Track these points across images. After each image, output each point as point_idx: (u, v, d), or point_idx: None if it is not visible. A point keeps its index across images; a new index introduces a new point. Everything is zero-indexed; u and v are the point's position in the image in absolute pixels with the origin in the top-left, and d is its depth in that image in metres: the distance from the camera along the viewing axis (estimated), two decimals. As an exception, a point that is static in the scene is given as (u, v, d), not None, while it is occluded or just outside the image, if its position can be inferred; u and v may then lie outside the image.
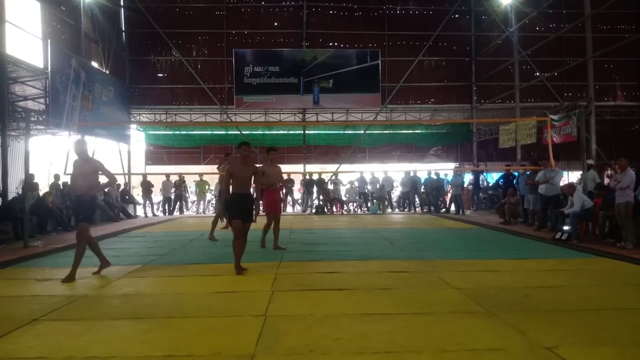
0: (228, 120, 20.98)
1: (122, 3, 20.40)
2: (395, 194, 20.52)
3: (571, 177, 19.20)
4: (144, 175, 18.89)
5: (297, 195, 20.94)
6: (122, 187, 18.02)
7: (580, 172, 13.11)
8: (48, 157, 17.41)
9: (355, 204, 19.93)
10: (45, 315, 4.71)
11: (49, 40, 13.86)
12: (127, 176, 19.90)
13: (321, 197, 19.34)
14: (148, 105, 21.17)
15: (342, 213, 19.12)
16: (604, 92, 20.89)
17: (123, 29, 20.69)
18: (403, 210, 19.52)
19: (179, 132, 21.36)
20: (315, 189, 19.47)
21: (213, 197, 20.25)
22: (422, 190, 19.27)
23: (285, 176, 19.86)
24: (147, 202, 18.51)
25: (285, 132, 21.69)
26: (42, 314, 4.73)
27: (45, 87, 13.72)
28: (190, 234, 11.91)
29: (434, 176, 18.57)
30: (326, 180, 19.59)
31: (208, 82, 20.80)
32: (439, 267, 7.08)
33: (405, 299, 5.29)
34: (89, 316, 4.72)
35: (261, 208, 7.89)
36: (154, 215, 18.45)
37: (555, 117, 15.65)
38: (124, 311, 4.90)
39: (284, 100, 20.50)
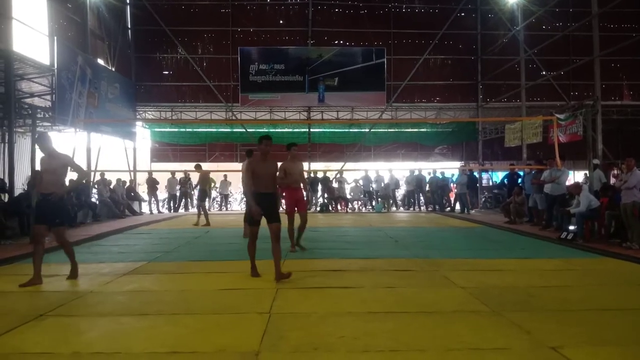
0: (233, 117, 21.00)
1: (128, 0, 20.44)
2: (400, 192, 20.50)
3: (577, 176, 19.11)
4: (150, 173, 18.94)
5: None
6: (127, 184, 18.09)
7: (586, 172, 13.04)
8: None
9: (360, 202, 19.92)
10: (51, 311, 4.74)
11: (55, 38, 13.91)
12: (132, 173, 19.98)
13: (326, 195, 19.34)
14: (154, 103, 21.22)
15: (347, 211, 19.12)
16: (610, 91, 20.76)
17: (129, 26, 20.73)
18: (408, 209, 19.50)
19: (184, 130, 21.39)
20: (319, 187, 19.48)
21: (218, 194, 20.33)
22: (427, 189, 19.24)
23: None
24: (153, 199, 18.57)
25: (290, 130, 21.66)
26: (48, 310, 4.76)
27: (51, 84, 13.77)
28: (195, 231, 11.94)
29: (439, 175, 18.53)
30: (331, 179, 19.59)
31: (213, 79, 20.81)
32: (444, 266, 7.07)
33: (410, 297, 5.29)
34: (95, 312, 4.74)
35: (282, 207, 7.68)
36: (159, 212, 18.51)
37: (561, 116, 15.58)
38: (129, 307, 4.92)
39: (289, 98, 20.50)
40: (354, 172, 20.79)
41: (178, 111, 21.13)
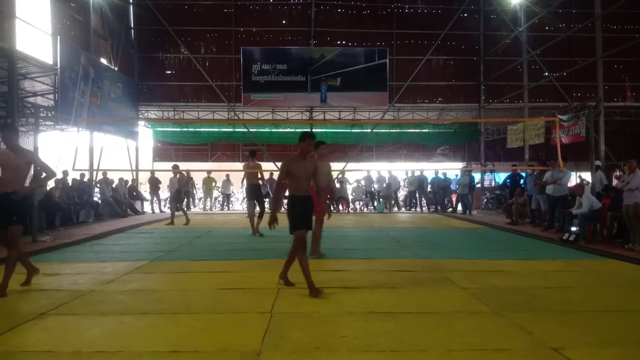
0: (235, 117, 21.00)
1: (131, 0, 20.48)
2: (402, 193, 20.49)
3: (586, 176, 19.08)
4: (152, 172, 18.97)
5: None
6: (130, 183, 18.12)
7: (588, 173, 13.02)
8: (56, 153, 17.55)
9: (361, 203, 19.92)
10: (53, 310, 4.75)
11: (58, 37, 13.93)
12: (134, 172, 20.01)
13: (327, 196, 19.30)
14: (156, 102, 21.24)
15: (349, 212, 19.12)
16: (613, 92, 20.71)
17: (132, 26, 20.76)
18: (409, 210, 19.48)
19: (186, 129, 21.41)
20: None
21: (220, 194, 20.34)
22: (428, 189, 19.23)
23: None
24: (155, 198, 18.60)
25: (292, 130, 21.67)
26: (50, 309, 4.77)
27: (54, 83, 13.79)
28: (197, 231, 11.94)
29: (440, 175, 18.51)
30: (333, 179, 19.55)
31: (216, 79, 20.82)
32: (446, 266, 7.06)
33: (411, 298, 5.29)
34: (96, 311, 4.75)
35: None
36: (161, 211, 18.52)
37: (563, 117, 15.56)
38: (130, 306, 4.93)
39: (291, 98, 20.50)
40: (356, 173, 20.78)
41: (180, 111, 21.15)
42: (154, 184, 18.43)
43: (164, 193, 19.58)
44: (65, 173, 14.24)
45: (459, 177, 18.22)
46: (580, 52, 20.02)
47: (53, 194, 12.32)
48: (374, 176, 19.59)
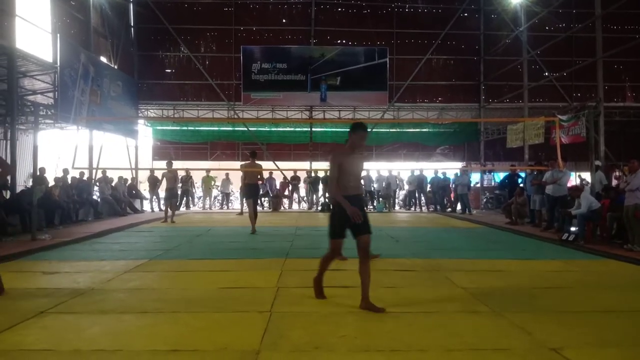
0: (235, 116, 21.00)
1: (131, -2, 20.48)
2: (402, 192, 20.50)
3: (575, 180, 19.10)
4: (151, 171, 18.96)
5: (303, 192, 20.98)
6: (129, 181, 18.11)
7: (588, 173, 13.03)
8: (56, 151, 17.53)
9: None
10: (52, 308, 4.74)
11: (58, 35, 13.92)
12: (134, 171, 20.00)
13: (327, 195, 19.35)
14: (156, 101, 21.24)
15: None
16: (613, 92, 20.72)
17: (132, 24, 20.75)
18: (409, 209, 19.49)
19: (186, 128, 21.40)
20: (321, 186, 19.50)
21: (219, 193, 20.34)
22: (428, 189, 19.23)
23: (291, 173, 20.05)
24: (154, 197, 18.58)
25: (292, 129, 21.69)
26: (49, 307, 4.77)
27: (54, 81, 13.78)
28: (196, 230, 11.94)
29: (440, 175, 18.52)
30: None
31: (216, 78, 20.81)
32: (445, 266, 7.06)
33: (411, 297, 5.29)
34: (96, 309, 4.74)
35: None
36: (160, 210, 18.50)
37: (563, 117, 15.55)
38: (130, 305, 4.93)
39: (291, 97, 20.50)
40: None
41: (180, 109, 21.15)
42: (154, 182, 18.41)
43: (163, 192, 19.58)
44: (65, 171, 14.23)
45: (452, 177, 18.21)
46: (581, 52, 20.02)
47: (52, 192, 12.31)
48: (374, 176, 19.59)
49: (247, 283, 5.95)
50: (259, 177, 11.11)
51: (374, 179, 19.58)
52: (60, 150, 17.36)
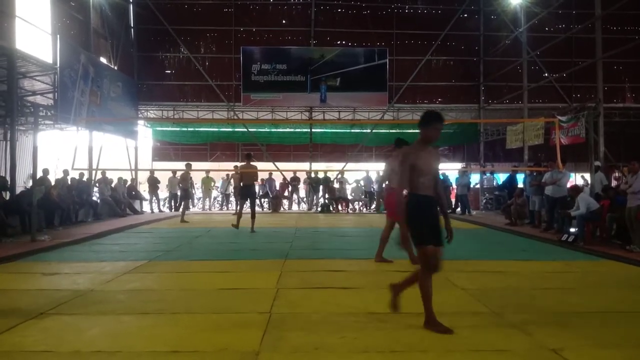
0: (235, 117, 20.99)
1: (131, -1, 20.48)
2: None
3: (578, 179, 19.09)
4: (151, 172, 18.96)
5: (303, 193, 20.99)
6: (129, 182, 18.10)
7: (588, 174, 13.03)
8: (56, 152, 17.54)
9: (360, 203, 19.93)
10: (52, 309, 4.74)
11: (58, 36, 13.91)
12: (134, 172, 19.99)
13: (327, 196, 19.36)
14: (156, 102, 21.23)
15: (348, 212, 19.13)
16: (613, 93, 20.70)
17: (132, 25, 20.73)
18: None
19: (186, 129, 21.40)
20: (320, 187, 19.51)
21: (219, 194, 20.34)
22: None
23: (291, 174, 20.06)
24: (154, 198, 18.59)
25: (292, 130, 21.69)
26: (49, 308, 4.77)
27: (54, 82, 13.78)
28: (196, 231, 11.94)
29: (440, 176, 18.45)
30: (332, 179, 19.59)
31: (216, 79, 20.82)
32: (445, 267, 7.01)
33: (411, 298, 5.27)
34: (95, 311, 4.74)
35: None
36: (160, 211, 18.52)
37: (563, 118, 15.56)
38: (130, 306, 4.93)
39: (291, 98, 20.49)
40: (355, 173, 20.78)
41: (180, 110, 21.14)
42: (153, 183, 18.43)
43: (163, 193, 19.59)
44: (65, 172, 14.24)
45: (457, 177, 18.20)
46: (580, 53, 20.00)
47: (52, 193, 12.31)
48: (373, 176, 19.59)
49: (246, 284, 5.95)
50: (254, 178, 11.32)
51: (373, 179, 19.56)
52: (60, 151, 17.37)
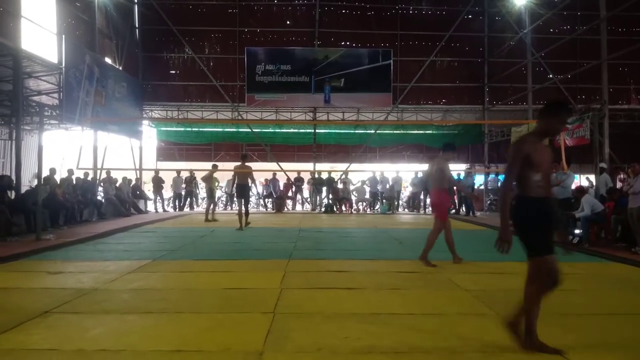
0: (239, 117, 21.04)
1: (135, 0, 20.53)
2: (405, 194, 20.48)
3: (583, 180, 19.01)
4: (155, 171, 19.01)
5: (306, 193, 21.00)
6: (133, 182, 18.16)
7: (593, 176, 12.98)
8: (61, 152, 17.61)
9: (364, 204, 19.92)
10: (57, 308, 4.76)
11: (63, 36, 13.99)
12: (138, 172, 20.06)
13: (330, 196, 19.36)
14: (160, 102, 21.31)
15: (351, 212, 19.12)
16: (618, 95, 20.64)
17: (136, 25, 20.83)
18: (412, 211, 19.46)
19: (190, 129, 21.47)
20: (324, 187, 19.51)
21: (223, 193, 20.36)
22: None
23: (295, 174, 20.07)
24: (158, 197, 18.64)
25: (296, 130, 21.72)
26: (54, 307, 4.78)
27: (59, 82, 13.85)
28: (200, 230, 11.96)
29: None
30: (336, 180, 19.60)
31: (220, 79, 20.87)
32: (448, 268, 7.06)
33: (414, 299, 5.28)
34: (100, 309, 4.76)
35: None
36: (164, 210, 18.56)
37: (568, 119, 15.50)
38: (134, 305, 4.94)
39: (295, 98, 20.52)
40: (359, 173, 20.77)
41: (184, 110, 21.20)
42: (158, 183, 18.47)
43: (167, 192, 19.63)
44: (70, 172, 14.29)
45: (462, 175, 18.18)
46: (585, 54, 19.95)
47: (57, 192, 12.36)
48: (378, 177, 19.59)
49: (250, 284, 5.96)
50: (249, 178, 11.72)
51: (378, 179, 19.54)
52: (64, 151, 17.44)
